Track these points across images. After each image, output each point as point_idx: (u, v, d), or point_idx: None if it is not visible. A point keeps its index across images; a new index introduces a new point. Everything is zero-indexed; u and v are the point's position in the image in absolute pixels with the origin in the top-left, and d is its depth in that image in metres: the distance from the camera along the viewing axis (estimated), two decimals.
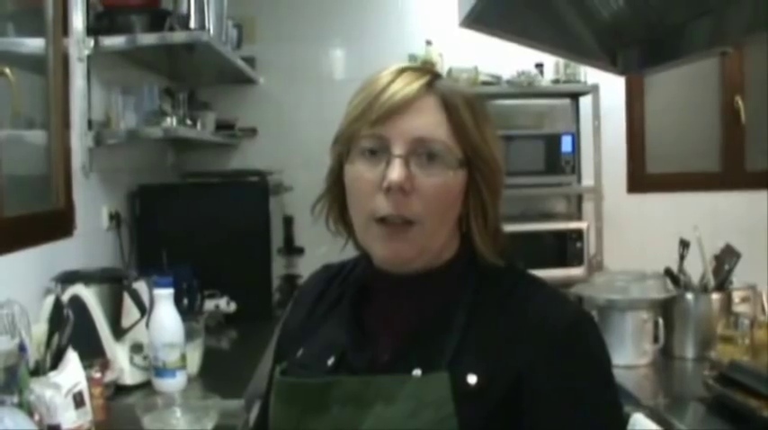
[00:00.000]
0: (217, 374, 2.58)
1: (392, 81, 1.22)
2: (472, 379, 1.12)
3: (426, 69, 1.28)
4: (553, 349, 1.14)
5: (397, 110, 1.19)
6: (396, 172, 1.16)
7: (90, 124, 2.96)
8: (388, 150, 1.18)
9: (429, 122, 1.20)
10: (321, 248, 1.36)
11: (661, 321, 2.64)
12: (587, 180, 4.69)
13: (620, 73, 2.96)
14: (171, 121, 3.29)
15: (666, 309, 2.70)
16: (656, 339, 2.64)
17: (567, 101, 4.89)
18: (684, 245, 2.82)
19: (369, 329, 1.27)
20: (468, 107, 1.23)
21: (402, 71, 1.25)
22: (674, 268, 2.80)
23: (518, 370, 1.13)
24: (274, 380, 1.32)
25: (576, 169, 4.59)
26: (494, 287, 1.22)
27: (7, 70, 2.46)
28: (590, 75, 4.52)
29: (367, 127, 1.20)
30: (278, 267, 3.70)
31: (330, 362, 1.25)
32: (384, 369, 1.19)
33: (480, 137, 1.22)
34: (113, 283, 2.47)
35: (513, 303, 1.19)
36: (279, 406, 1.27)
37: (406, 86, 1.21)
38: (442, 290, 1.23)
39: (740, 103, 4.96)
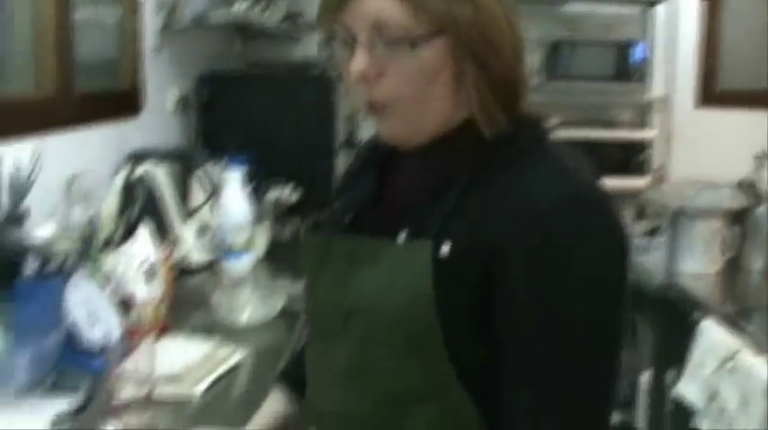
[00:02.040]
0: (281, 260, 2.59)
1: None
2: (446, 248, 1.07)
3: None
4: (528, 232, 1.05)
5: None
6: (356, 62, 1.12)
7: (160, 6, 2.94)
8: (354, 38, 1.13)
9: (383, 2, 1.11)
10: None
11: (732, 231, 2.59)
12: (656, 90, 4.59)
13: None
14: (239, 6, 3.25)
15: (738, 220, 2.65)
16: (725, 249, 2.60)
17: (638, 8, 4.75)
18: (760, 158, 2.76)
19: (384, 193, 1.25)
20: None
21: None
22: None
23: (491, 246, 1.06)
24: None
25: (645, 78, 4.49)
26: (496, 157, 1.14)
27: None
28: None
29: (329, 15, 1.15)
30: (340, 161, 3.68)
31: (348, 219, 1.25)
32: (381, 232, 1.16)
33: None
34: (183, 164, 2.47)
35: (508, 176, 1.10)
36: (303, 262, 1.28)
37: None
38: (450, 159, 1.17)
39: None
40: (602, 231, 1.08)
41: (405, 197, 1.21)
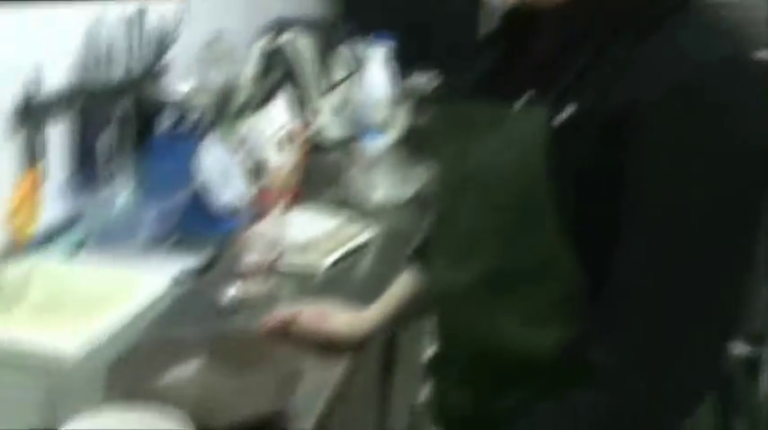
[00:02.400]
0: (418, 145, 2.51)
1: None
2: (566, 113, 0.98)
3: None
4: (669, 92, 0.94)
5: None
6: None
7: None
8: None
9: None
10: None
11: None
12: None
13: None
14: None
15: None
16: None
17: None
18: None
19: (517, 57, 1.14)
20: None
21: None
22: None
23: (624, 105, 0.95)
24: None
25: None
26: (642, 15, 1.01)
27: None
28: None
29: None
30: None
31: (477, 84, 1.17)
32: (510, 96, 1.07)
33: None
34: (327, 36, 2.40)
35: (653, 36, 0.98)
36: (429, 130, 1.25)
37: None
38: (587, 18, 1.05)
39: None
40: (756, 105, 0.97)
41: (537, 60, 1.11)
